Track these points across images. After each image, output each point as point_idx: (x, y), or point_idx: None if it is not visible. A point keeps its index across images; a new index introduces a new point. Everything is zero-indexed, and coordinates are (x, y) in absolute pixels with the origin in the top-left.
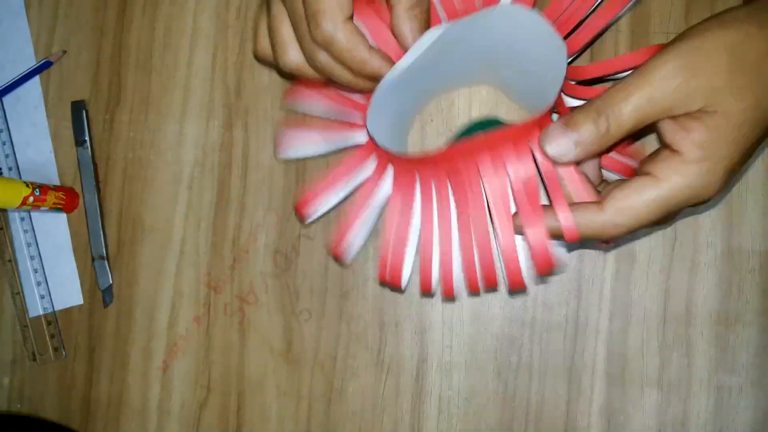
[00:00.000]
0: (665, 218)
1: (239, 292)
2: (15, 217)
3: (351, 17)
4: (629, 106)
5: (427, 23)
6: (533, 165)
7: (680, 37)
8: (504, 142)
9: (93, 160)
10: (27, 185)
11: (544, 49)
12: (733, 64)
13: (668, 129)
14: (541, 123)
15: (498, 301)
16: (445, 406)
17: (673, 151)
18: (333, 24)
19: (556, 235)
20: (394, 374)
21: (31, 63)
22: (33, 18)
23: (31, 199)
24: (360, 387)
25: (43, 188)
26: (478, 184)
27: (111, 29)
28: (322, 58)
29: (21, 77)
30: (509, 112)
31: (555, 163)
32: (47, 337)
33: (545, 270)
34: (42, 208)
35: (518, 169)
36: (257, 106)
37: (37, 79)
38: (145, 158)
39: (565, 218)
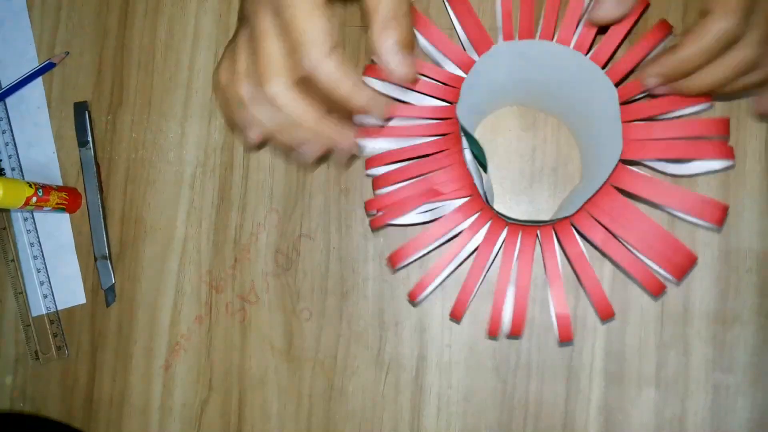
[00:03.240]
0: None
1: (240, 291)
2: (18, 217)
3: (336, 46)
4: None
5: (409, 34)
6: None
7: None
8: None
9: (95, 160)
10: (30, 185)
11: (595, 88)
12: None
13: None
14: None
15: None
16: (444, 404)
17: None
18: (320, 53)
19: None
20: (394, 373)
21: (34, 64)
22: (36, 19)
23: (34, 199)
24: (360, 385)
25: (46, 188)
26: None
27: (113, 31)
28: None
29: (24, 78)
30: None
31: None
32: (50, 336)
33: (606, 316)
34: (45, 209)
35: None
36: None
37: (40, 80)
38: (148, 159)
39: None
